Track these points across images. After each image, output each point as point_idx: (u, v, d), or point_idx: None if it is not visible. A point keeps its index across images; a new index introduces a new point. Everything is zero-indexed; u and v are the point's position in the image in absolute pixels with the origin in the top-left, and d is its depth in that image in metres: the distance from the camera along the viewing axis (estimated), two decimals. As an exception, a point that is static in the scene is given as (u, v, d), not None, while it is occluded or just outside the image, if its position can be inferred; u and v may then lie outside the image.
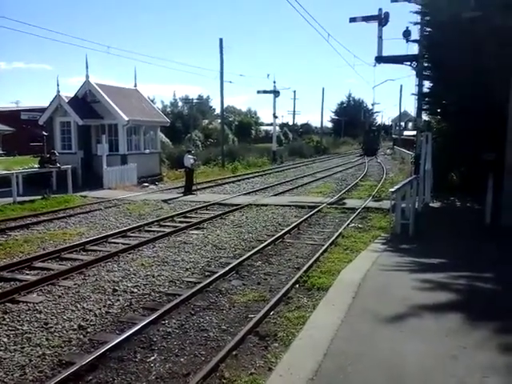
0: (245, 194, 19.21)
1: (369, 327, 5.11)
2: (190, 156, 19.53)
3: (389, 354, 4.48)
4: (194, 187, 19.25)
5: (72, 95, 22.21)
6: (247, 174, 28.84)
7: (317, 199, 17.12)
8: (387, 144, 71.18)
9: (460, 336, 4.84)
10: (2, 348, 5.49)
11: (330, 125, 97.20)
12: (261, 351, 5.29)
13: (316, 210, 14.59)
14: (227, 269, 8.27)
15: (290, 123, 71.03)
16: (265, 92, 42.01)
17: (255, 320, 5.95)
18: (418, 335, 4.89)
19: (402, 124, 68.21)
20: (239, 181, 25.08)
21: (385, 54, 19.70)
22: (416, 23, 18.16)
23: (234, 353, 5.19)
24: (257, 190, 20.39)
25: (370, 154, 50.11)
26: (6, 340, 5.70)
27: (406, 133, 58.75)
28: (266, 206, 15.69)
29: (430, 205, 14.91)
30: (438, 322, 5.26)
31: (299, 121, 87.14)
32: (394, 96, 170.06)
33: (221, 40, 33.18)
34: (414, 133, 24.01)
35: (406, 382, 4.03)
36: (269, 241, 10.40)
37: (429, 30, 17.96)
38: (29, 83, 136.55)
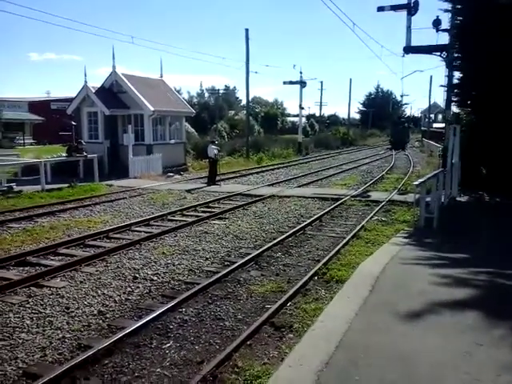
0: (268, 185, 19.19)
1: (383, 321, 5.04)
2: (213, 146, 19.60)
3: (402, 349, 4.41)
4: (217, 178, 19.33)
5: (99, 85, 22.54)
6: (272, 165, 28.79)
7: (341, 191, 16.96)
8: (416, 136, 69.75)
9: (476, 333, 4.72)
10: (24, 330, 5.66)
11: (357, 116, 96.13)
12: (275, 342, 5.29)
13: (339, 202, 14.46)
14: (246, 259, 8.29)
15: (317, 114, 70.45)
16: (291, 83, 41.74)
17: (271, 310, 5.95)
18: (433, 331, 4.80)
19: (432, 116, 66.74)
20: (263, 172, 25.06)
21: (413, 43, 19.26)
22: (447, 10, 17.66)
23: (248, 342, 5.21)
24: (280, 182, 20.34)
25: (398, 148, 47.58)
26: (29, 322, 5.87)
27: (435, 125, 57.42)
28: (288, 197, 15.64)
29: (457, 199, 14.58)
30: (454, 318, 5.15)
31: (326, 112, 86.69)
32: (423, 87, 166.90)
33: (246, 30, 33.10)
34: (443, 125, 23.45)
35: (418, 378, 3.96)
36: (290, 232, 10.36)
37: (460, 18, 17.45)
38: (60, 73, 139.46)
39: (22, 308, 6.29)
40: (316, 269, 7.63)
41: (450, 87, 18.69)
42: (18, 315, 6.05)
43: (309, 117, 74.32)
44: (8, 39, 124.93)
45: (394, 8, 20.21)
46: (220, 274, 7.47)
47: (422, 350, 4.38)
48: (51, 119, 45.51)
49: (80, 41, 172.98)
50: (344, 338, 4.50)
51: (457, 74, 19.36)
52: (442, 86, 19.57)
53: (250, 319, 5.92)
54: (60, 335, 5.52)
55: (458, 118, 19.05)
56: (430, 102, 64.69)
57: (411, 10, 19.23)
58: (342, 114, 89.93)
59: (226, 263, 8.33)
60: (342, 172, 25.13)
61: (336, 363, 4.04)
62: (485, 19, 14.07)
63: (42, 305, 6.43)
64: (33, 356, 5.03)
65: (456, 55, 18.38)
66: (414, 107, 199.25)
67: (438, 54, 19.13)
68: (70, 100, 24.77)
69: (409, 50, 19.62)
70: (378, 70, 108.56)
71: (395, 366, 4.09)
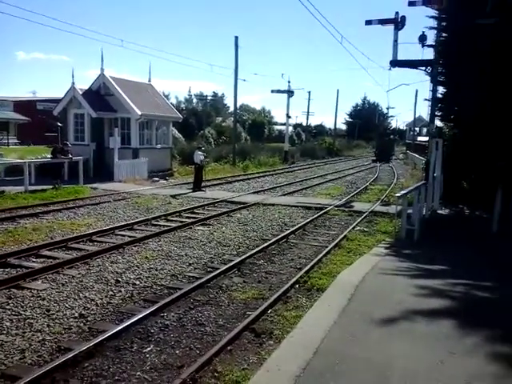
0: (253, 192, 19.30)
1: (360, 329, 5.16)
2: (199, 152, 19.67)
3: (377, 356, 4.53)
4: (203, 184, 19.37)
5: (87, 87, 22.47)
6: (258, 173, 28.93)
7: (325, 201, 17.13)
8: (401, 149, 70.65)
9: (450, 342, 4.87)
10: (4, 332, 5.63)
11: (344, 127, 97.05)
12: (255, 348, 5.37)
13: (323, 211, 14.61)
14: (229, 265, 8.36)
15: (304, 124, 70.98)
16: (278, 91, 42.09)
17: (252, 317, 6.02)
18: (408, 339, 4.93)
19: (417, 129, 67.66)
20: (249, 179, 25.17)
21: (400, 57, 19.62)
22: (432, 28, 18.09)
23: (228, 348, 5.27)
24: (266, 190, 20.46)
25: (382, 160, 46.79)
26: (8, 324, 5.84)
27: (420, 138, 58.15)
28: (273, 205, 15.76)
29: (438, 212, 14.84)
30: (430, 327, 5.29)
31: (313, 122, 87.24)
32: (408, 100, 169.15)
33: (236, 38, 33.35)
34: (427, 138, 23.87)
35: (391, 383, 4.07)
36: (273, 240, 10.46)
37: (445, 35, 17.88)
38: (47, 73, 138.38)
39: (1, 309, 6.25)
40: (297, 277, 7.73)
41: (434, 101, 19.08)
42: (-3, 317, 6.02)
43: (296, 126, 74.82)
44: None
45: (382, 22, 20.55)
46: (202, 280, 7.52)
47: (396, 358, 4.50)
48: (37, 119, 45.04)
49: (69, 41, 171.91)
50: (321, 345, 4.60)
51: (441, 89, 19.81)
52: (426, 99, 19.98)
53: (231, 325, 5.98)
54: (40, 337, 5.51)
55: (441, 132, 19.44)
56: (415, 115, 65.59)
57: (398, 24, 19.58)
58: (329, 124, 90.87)
59: (208, 269, 8.38)
60: (326, 182, 25.36)
61: (313, 369, 4.14)
62: (465, 37, 14.46)
63: (22, 307, 6.40)
64: (12, 358, 5.01)
65: (440, 70, 18.81)
66: (399, 120, 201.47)
67: (423, 68, 19.52)
68: (56, 101, 24.63)
69: (395, 63, 19.95)
70: (365, 81, 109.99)
71: (369, 373, 4.21)
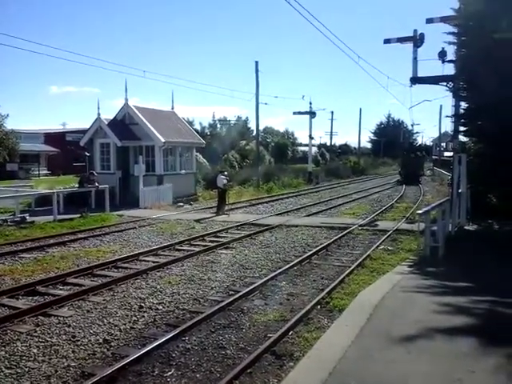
0: (277, 214, 19.33)
1: (378, 348, 5.09)
2: (222, 176, 19.88)
3: (394, 376, 4.46)
4: (226, 207, 19.53)
5: (112, 117, 23.16)
6: (282, 195, 28.99)
7: (349, 220, 17.02)
8: (427, 165, 69.62)
9: (470, 361, 4.75)
10: (31, 358, 5.78)
11: (368, 145, 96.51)
12: (276, 370, 5.36)
13: (347, 231, 14.52)
14: (251, 288, 8.38)
15: (328, 144, 71.00)
16: (300, 113, 42.45)
17: (273, 339, 6.02)
18: (425, 358, 4.84)
19: (443, 145, 66.73)
20: (273, 201, 25.23)
21: (420, 74, 19.58)
22: (451, 43, 18.06)
23: (248, 370, 5.28)
24: (289, 211, 20.47)
25: (410, 182, 37.33)
26: (35, 351, 6.00)
27: (446, 153, 57.29)
28: (296, 226, 15.75)
29: (465, 228, 14.56)
30: (449, 346, 5.18)
31: (338, 142, 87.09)
32: (433, 116, 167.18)
33: (256, 63, 33.91)
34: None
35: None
36: (295, 261, 10.45)
37: (464, 50, 17.81)
38: (77, 106, 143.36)
39: (29, 337, 6.43)
40: (319, 298, 7.70)
41: (456, 117, 18.90)
42: (25, 344, 6.19)
43: (320, 146, 74.86)
44: (31, 73, 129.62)
45: (401, 40, 20.62)
46: (224, 303, 7.56)
47: (414, 377, 4.42)
48: (66, 150, 46.62)
49: (99, 74, 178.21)
50: (338, 365, 4.56)
51: (463, 104, 19.62)
52: (447, 116, 19.84)
53: (252, 348, 5.99)
54: (65, 363, 5.63)
55: (464, 148, 19.15)
56: (440, 130, 64.88)
57: (417, 42, 19.63)
58: (353, 143, 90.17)
59: (230, 292, 8.42)
60: (351, 201, 25.20)
61: (329, 390, 4.11)
62: (485, 52, 14.38)
63: (48, 333, 6.57)
64: (38, 384, 5.15)
65: (461, 85, 18.66)
66: (425, 136, 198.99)
67: (445, 84, 19.44)
68: (84, 131, 25.43)
69: (416, 80, 19.91)
70: (388, 99, 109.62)
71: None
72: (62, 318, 7.13)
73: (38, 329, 6.72)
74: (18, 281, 9.18)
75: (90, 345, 6.19)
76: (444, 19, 18.23)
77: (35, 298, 8.18)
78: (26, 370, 5.46)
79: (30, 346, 6.12)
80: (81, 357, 5.81)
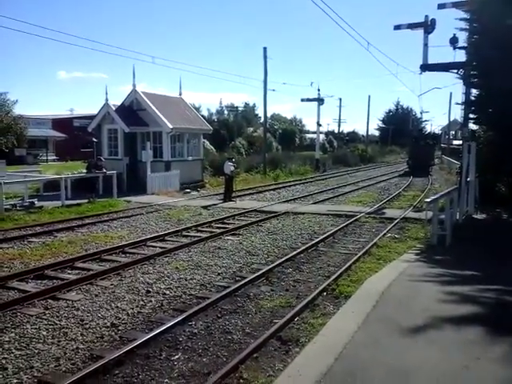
0: (284, 201, 19.33)
1: (383, 335, 5.12)
2: (230, 163, 19.86)
3: (400, 362, 4.49)
4: (233, 194, 19.55)
5: (120, 103, 23.15)
6: (288, 182, 28.96)
7: (356, 208, 16.99)
8: (436, 154, 69.01)
9: (477, 348, 4.76)
10: (41, 341, 5.87)
11: (377, 133, 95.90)
12: (281, 355, 5.40)
13: (354, 219, 14.51)
14: (257, 274, 8.42)
15: (336, 131, 70.66)
16: (308, 100, 42.12)
17: (279, 325, 6.06)
18: (433, 345, 4.86)
19: (452, 133, 66.11)
20: (280, 188, 25.22)
21: (430, 61, 19.33)
22: (463, 29, 17.77)
23: (254, 355, 5.33)
24: (296, 198, 20.46)
25: (419, 174, 34.19)
26: (45, 333, 6.09)
27: (455, 142, 56.78)
28: (303, 214, 15.74)
29: (474, 216, 14.49)
30: (455, 334, 5.20)
31: (346, 129, 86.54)
32: (442, 104, 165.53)
33: (265, 49, 33.66)
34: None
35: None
36: (302, 248, 10.48)
37: (476, 36, 17.53)
38: (85, 91, 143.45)
39: (38, 319, 6.52)
40: (325, 285, 7.73)
41: (467, 104, 18.68)
42: (34, 326, 6.28)
43: (328, 133, 74.53)
44: (39, 58, 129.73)
45: (411, 26, 20.29)
46: (230, 289, 7.61)
47: (419, 364, 4.45)
48: (73, 136, 46.75)
49: (107, 60, 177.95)
50: (344, 350, 4.59)
51: (474, 91, 19.37)
52: (457, 103, 19.63)
53: (258, 333, 6.04)
54: (74, 346, 5.71)
55: (474, 135, 18.96)
56: (449, 118, 64.01)
57: (428, 28, 19.33)
58: (361, 130, 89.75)
59: (237, 278, 8.47)
60: (358, 189, 25.14)
61: (334, 374, 4.14)
62: (498, 38, 14.14)
63: (57, 317, 6.65)
64: (48, 365, 5.23)
65: (473, 72, 18.41)
66: (434, 124, 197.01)
67: (455, 71, 19.18)
68: (91, 117, 25.46)
69: (425, 67, 19.64)
70: (397, 87, 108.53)
71: (392, 379, 4.17)
72: (70, 302, 7.22)
73: (47, 312, 6.81)
74: (27, 265, 9.29)
75: (98, 328, 6.27)
76: (456, 4, 17.90)
77: (44, 281, 8.28)
78: (36, 351, 5.55)
79: (40, 329, 6.21)
80: (89, 340, 5.89)
